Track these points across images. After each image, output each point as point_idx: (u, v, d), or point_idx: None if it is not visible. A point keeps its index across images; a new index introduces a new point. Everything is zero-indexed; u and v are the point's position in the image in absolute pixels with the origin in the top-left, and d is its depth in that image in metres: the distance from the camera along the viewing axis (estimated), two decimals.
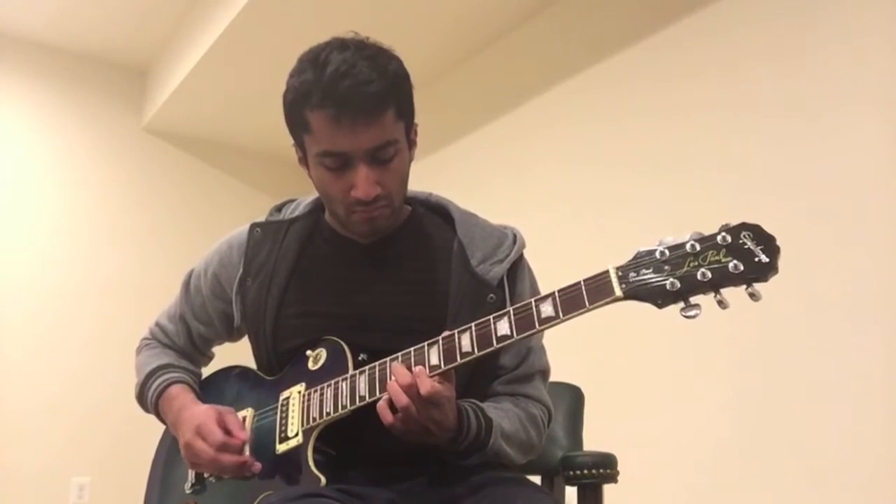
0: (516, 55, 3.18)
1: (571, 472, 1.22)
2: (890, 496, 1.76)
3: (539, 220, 2.83)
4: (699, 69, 2.40)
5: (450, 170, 3.36)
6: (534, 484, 1.05)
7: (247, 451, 1.04)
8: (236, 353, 1.28)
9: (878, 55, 1.93)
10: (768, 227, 0.80)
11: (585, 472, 1.21)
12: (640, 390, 2.38)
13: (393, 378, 0.91)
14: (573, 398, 1.38)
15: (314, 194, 1.22)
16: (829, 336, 1.92)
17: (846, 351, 1.88)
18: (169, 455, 1.21)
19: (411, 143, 1.12)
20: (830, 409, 1.89)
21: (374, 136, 1.00)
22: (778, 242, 0.79)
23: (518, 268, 1.12)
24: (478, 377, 1.05)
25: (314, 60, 1.01)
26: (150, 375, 1.19)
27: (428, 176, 3.47)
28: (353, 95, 0.97)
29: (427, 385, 0.88)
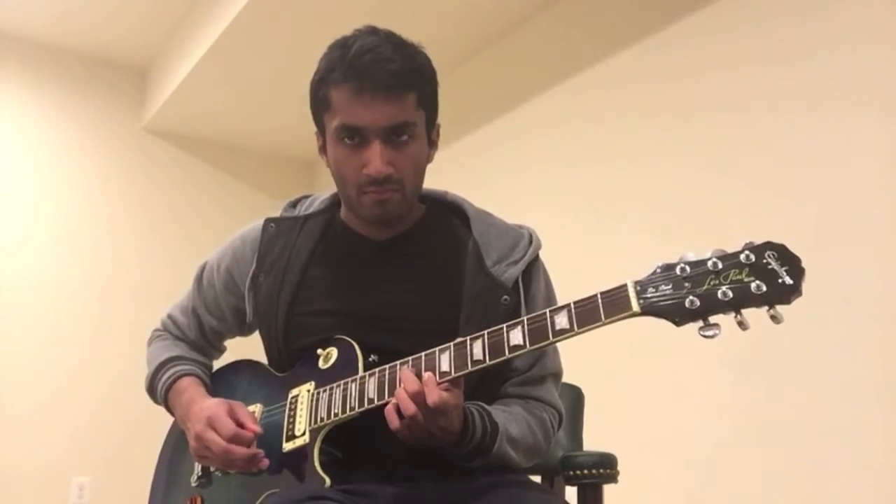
0: (516, 55, 3.18)
1: (571, 472, 1.22)
2: (890, 500, 1.76)
3: (538, 220, 2.80)
4: (699, 69, 2.40)
5: (449, 170, 3.35)
6: (543, 487, 1.04)
7: (255, 445, 1.04)
8: (249, 347, 1.28)
9: (878, 56, 1.93)
10: (777, 233, 0.79)
11: (585, 472, 1.21)
12: (640, 390, 2.38)
13: (402, 385, 0.91)
14: (573, 398, 1.38)
15: (329, 191, 1.21)
16: (828, 337, 1.92)
17: (846, 352, 1.88)
18: (176, 449, 1.21)
19: (431, 142, 1.12)
20: (830, 410, 1.89)
21: (393, 113, 1.01)
22: (803, 264, 0.76)
23: (533, 269, 1.11)
24: (489, 378, 1.04)
25: (342, 44, 1.04)
26: (161, 367, 1.19)
27: (428, 175, 3.47)
28: (375, 70, 0.99)
29: (435, 395, 0.88)
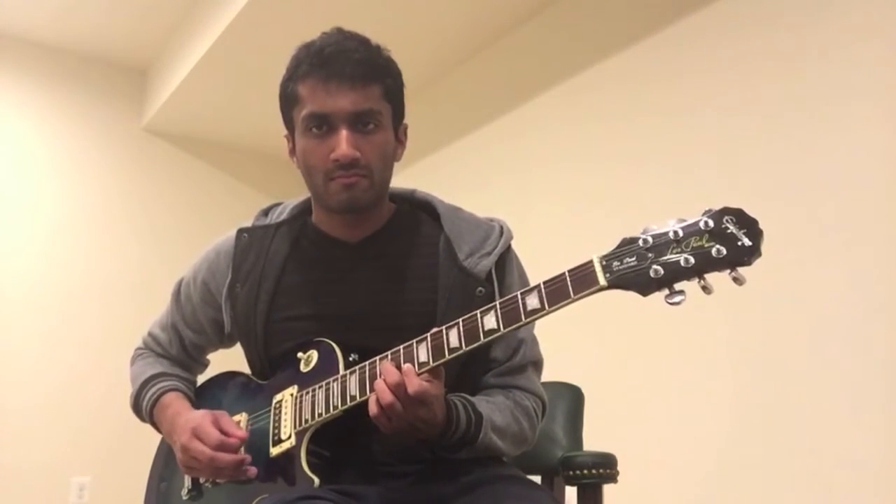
0: (516, 55, 3.18)
1: (571, 472, 1.22)
2: (890, 499, 1.76)
3: (539, 219, 2.83)
4: (699, 69, 2.40)
5: (449, 170, 3.36)
6: (528, 480, 1.04)
7: (243, 450, 1.04)
8: (232, 359, 1.28)
9: (878, 56, 1.93)
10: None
11: (585, 472, 1.21)
12: (640, 390, 2.38)
13: (382, 376, 0.92)
14: (573, 398, 1.38)
15: (299, 197, 1.22)
16: (829, 336, 1.92)
17: (847, 351, 1.88)
18: (166, 464, 1.21)
19: (399, 140, 1.14)
20: (831, 409, 1.89)
21: (358, 100, 1.04)
22: (761, 225, 0.79)
23: (506, 260, 1.12)
24: (470, 370, 1.06)
25: (308, 44, 1.08)
26: (144, 385, 1.20)
27: (428, 175, 3.48)
28: (340, 60, 1.03)
29: (415, 384, 0.89)
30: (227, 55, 3.26)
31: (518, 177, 3.05)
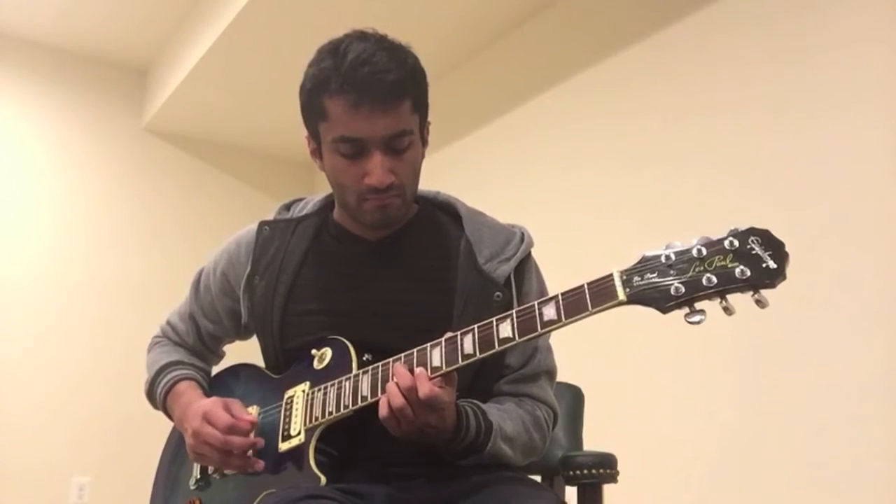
0: (516, 55, 3.18)
1: (571, 472, 1.22)
2: (891, 499, 1.76)
3: (538, 220, 2.82)
4: (699, 69, 2.40)
5: (450, 170, 3.36)
6: (534, 482, 1.05)
7: (253, 436, 1.05)
8: (247, 351, 1.28)
9: (879, 56, 1.93)
10: (775, 231, 0.79)
11: (585, 472, 1.21)
12: (640, 390, 2.38)
13: (394, 379, 0.91)
14: (573, 398, 1.38)
15: (322, 193, 1.22)
16: (829, 337, 1.92)
17: (847, 352, 1.88)
18: (175, 456, 1.22)
19: (424, 141, 1.13)
20: (831, 410, 1.89)
21: (391, 124, 1.01)
22: (787, 248, 0.77)
23: (525, 267, 1.12)
24: (483, 376, 1.05)
25: (334, 50, 1.03)
26: (160, 372, 1.21)
27: (428, 176, 3.47)
28: (372, 82, 0.99)
29: (426, 388, 0.88)
30: (227, 55, 3.26)
31: (517, 178, 3.05)
